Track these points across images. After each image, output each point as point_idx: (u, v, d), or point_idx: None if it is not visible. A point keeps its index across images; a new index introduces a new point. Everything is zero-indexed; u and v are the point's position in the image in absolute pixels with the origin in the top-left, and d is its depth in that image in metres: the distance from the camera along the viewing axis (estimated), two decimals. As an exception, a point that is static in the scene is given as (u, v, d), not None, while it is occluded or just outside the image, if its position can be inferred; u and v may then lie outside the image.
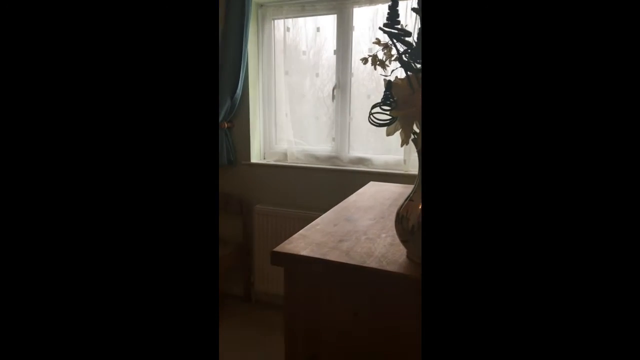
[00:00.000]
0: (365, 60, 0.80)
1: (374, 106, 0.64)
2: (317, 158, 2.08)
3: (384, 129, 0.69)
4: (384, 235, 0.83)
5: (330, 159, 2.05)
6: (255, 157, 2.16)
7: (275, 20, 2.06)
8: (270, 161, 2.15)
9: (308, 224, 0.90)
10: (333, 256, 0.71)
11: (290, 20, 2.03)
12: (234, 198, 2.16)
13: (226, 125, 2.06)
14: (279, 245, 0.77)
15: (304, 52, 2.04)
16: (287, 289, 0.76)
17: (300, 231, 0.85)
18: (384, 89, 0.67)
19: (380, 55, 0.77)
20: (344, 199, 1.17)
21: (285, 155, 2.13)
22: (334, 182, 1.96)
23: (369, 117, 0.65)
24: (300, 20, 2.01)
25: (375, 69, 0.79)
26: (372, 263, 0.68)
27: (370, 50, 1.90)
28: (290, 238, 0.81)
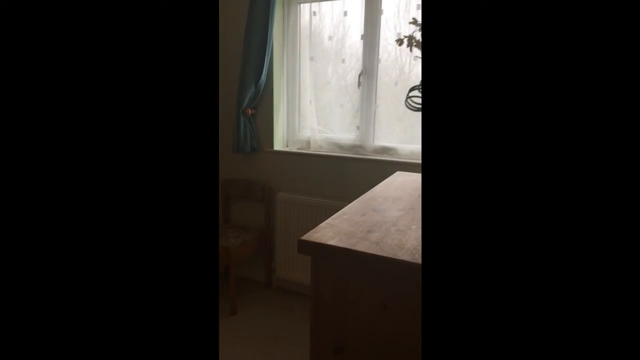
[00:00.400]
0: (400, 42, 0.76)
1: (411, 89, 0.60)
2: (341, 147, 2.04)
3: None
4: (414, 227, 0.79)
5: (354, 147, 2.01)
6: (278, 145, 2.14)
7: (301, 5, 2.01)
8: (293, 149, 2.14)
9: (331, 213, 0.88)
10: (362, 247, 0.68)
11: (316, 4, 1.97)
12: (257, 185, 2.16)
13: (250, 112, 2.05)
14: (306, 234, 0.75)
15: (330, 38, 1.99)
16: (313, 278, 0.74)
17: (327, 220, 0.83)
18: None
19: (418, 36, 0.72)
20: (368, 188, 1.14)
21: (308, 143, 2.11)
22: (357, 171, 1.93)
23: (406, 100, 0.61)
24: (327, 4, 1.95)
25: (411, 50, 0.74)
26: (404, 256, 0.65)
27: (399, 34, 1.84)
28: (317, 227, 0.79)
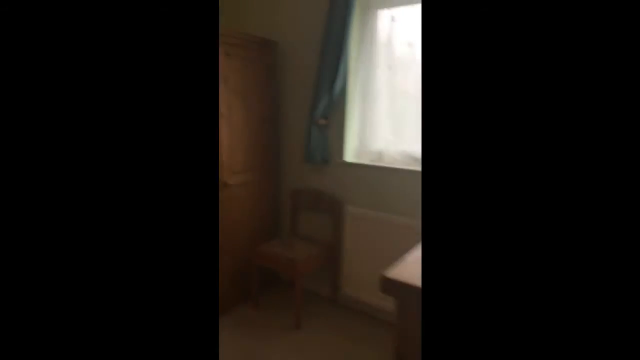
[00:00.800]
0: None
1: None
2: (417, 160, 1.90)
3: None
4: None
5: (431, 161, 1.85)
6: (350, 156, 2.07)
7: (380, 10, 1.93)
8: (365, 161, 2.04)
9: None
10: (462, 294, 0.57)
11: (396, 9, 1.87)
12: (326, 196, 2.11)
13: (322, 122, 2.01)
14: (391, 271, 0.65)
15: (410, 44, 1.87)
16: (399, 321, 0.64)
17: (415, 253, 0.72)
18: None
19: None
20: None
21: (381, 155, 2.00)
22: (435, 187, 1.77)
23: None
24: (408, 8, 1.84)
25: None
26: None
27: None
28: (403, 261, 0.69)
